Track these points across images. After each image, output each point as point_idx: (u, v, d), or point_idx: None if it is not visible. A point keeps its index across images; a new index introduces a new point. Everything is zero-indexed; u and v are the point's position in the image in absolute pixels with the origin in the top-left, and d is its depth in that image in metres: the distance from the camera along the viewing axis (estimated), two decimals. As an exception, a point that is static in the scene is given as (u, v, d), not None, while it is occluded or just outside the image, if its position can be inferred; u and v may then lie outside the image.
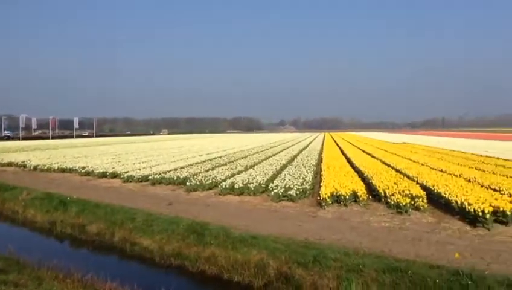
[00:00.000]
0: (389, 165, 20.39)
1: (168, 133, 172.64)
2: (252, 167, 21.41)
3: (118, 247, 10.96)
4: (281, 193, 13.51)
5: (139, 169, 21.41)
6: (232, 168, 20.67)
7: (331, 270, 7.19)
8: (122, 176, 19.75)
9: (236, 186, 14.91)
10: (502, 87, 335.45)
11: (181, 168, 21.80)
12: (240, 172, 19.34)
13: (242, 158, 27.74)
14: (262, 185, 15.21)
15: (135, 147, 46.29)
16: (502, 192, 12.08)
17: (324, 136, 78.35)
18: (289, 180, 15.38)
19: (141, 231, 10.94)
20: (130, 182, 18.79)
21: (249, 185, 14.94)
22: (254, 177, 16.34)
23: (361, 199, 12.35)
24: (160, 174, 18.98)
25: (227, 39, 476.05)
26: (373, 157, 25.83)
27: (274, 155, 29.60)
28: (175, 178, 17.72)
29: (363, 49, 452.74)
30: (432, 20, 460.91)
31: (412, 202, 11.41)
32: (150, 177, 18.45)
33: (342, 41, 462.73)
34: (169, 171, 19.92)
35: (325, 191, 12.46)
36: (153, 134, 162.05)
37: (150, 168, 21.38)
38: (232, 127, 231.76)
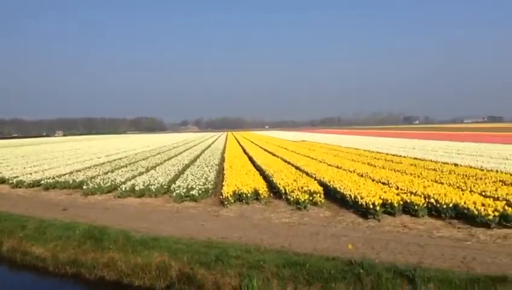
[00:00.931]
0: (289, 163, 21.04)
1: (64, 135, 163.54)
2: (153, 168, 21.00)
3: (6, 258, 10.16)
4: (183, 194, 13.38)
5: (30, 173, 20.05)
6: (132, 170, 20.10)
7: (233, 268, 7.27)
8: (10, 181, 18.40)
9: (137, 188, 14.52)
10: (392, 84, 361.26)
11: (77, 171, 20.78)
12: (141, 173, 18.88)
13: (143, 159, 27.10)
14: (164, 186, 14.98)
15: (25, 150, 43.25)
16: (390, 185, 12.99)
17: (227, 136, 78.93)
18: (192, 180, 15.29)
19: (33, 239, 10.24)
20: (20, 187, 17.57)
21: (150, 186, 14.62)
22: (156, 179, 16.03)
23: (262, 196, 12.62)
24: (54, 178, 17.94)
25: (129, 38, 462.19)
26: (274, 155, 26.49)
27: (176, 155, 29.26)
28: (71, 182, 16.85)
29: (265, 49, 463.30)
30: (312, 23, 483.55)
31: (311, 198, 11.89)
32: (42, 181, 17.34)
33: (245, 42, 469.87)
34: (64, 175, 18.90)
35: (227, 190, 12.57)
36: (46, 136, 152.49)
37: (43, 172, 20.11)
38: (134, 128, 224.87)
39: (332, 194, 12.90)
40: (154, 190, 14.34)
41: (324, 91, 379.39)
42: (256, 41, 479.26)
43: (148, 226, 10.24)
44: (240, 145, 41.62)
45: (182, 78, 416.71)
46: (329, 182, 13.73)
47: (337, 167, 18.57)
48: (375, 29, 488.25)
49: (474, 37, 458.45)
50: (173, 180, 16.33)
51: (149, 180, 15.69)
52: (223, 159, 24.94)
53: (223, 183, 14.15)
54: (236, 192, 12.67)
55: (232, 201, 12.36)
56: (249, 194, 12.57)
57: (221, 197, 12.61)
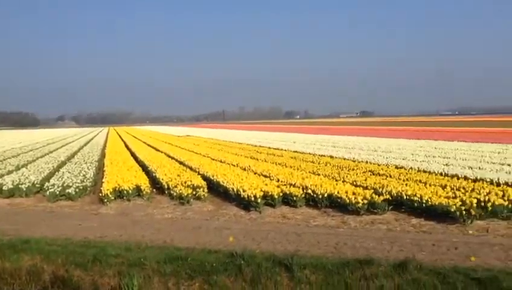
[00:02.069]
0: (172, 158, 20.82)
1: None
2: (24, 166, 19.46)
3: None
4: (58, 192, 12.58)
5: None
6: (0, 169, 18.44)
7: (112, 267, 6.99)
8: None
9: (5, 187, 13.37)
10: (274, 80, 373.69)
11: None
12: (9, 172, 17.39)
13: (13, 157, 24.99)
14: (37, 185, 13.96)
15: None
16: (271, 178, 13.44)
17: (109, 131, 75.82)
18: (68, 178, 14.45)
19: None
20: None
21: (20, 185, 13.53)
22: (27, 177, 14.88)
23: (144, 192, 12.33)
24: None
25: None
26: (158, 150, 26.04)
27: (51, 152, 27.46)
28: None
29: (142, 42, 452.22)
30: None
31: (194, 192, 11.87)
32: None
33: (127, 35, 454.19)
34: None
35: (107, 187, 12.08)
36: None
37: None
38: (0, 123, 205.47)
39: (215, 188, 13.02)
40: (25, 189, 13.31)
41: (209, 86, 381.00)
42: (131, 36, 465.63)
43: (18, 228, 9.47)
44: (122, 140, 40.26)
45: (57, 71, 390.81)
46: (213, 176, 13.83)
47: (221, 161, 18.77)
48: (257, 25, 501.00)
49: (345, 36, 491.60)
50: (47, 178, 15.27)
51: (19, 179, 14.51)
52: (103, 155, 23.92)
53: (103, 180, 13.57)
54: (117, 189, 12.23)
55: (112, 198, 11.91)
56: (130, 191, 12.20)
57: (100, 194, 12.08)
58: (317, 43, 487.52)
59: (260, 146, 28.41)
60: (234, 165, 17.09)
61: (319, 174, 13.98)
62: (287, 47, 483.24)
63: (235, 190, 11.39)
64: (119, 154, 23.34)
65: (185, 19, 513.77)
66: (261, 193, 10.64)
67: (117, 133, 65.04)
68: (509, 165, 14.59)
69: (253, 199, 10.41)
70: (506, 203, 8.96)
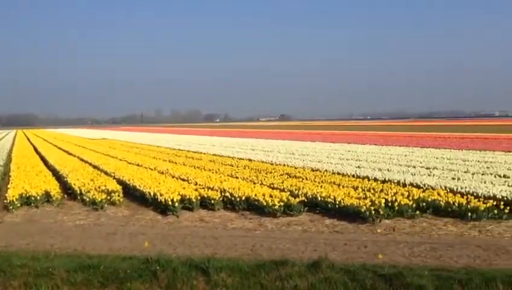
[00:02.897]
0: (86, 162, 20.01)
1: None
2: None
3: None
4: (-44, 200, 11.61)
5: None
6: None
7: (18, 278, 6.55)
8: None
9: None
10: (194, 83, 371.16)
11: None
12: None
13: None
14: None
15: None
16: (190, 181, 13.33)
17: (16, 134, 71.25)
18: (-32, 184, 13.37)
19: None
20: None
21: None
22: None
23: (55, 198, 11.71)
24: None
25: None
26: (70, 154, 24.90)
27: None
28: None
29: (55, 43, 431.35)
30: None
31: (108, 197, 11.46)
32: None
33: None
34: None
35: (12, 193, 11.33)
36: None
37: None
38: None
39: (132, 193, 12.68)
40: None
41: (126, 87, 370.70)
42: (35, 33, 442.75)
43: None
44: (32, 144, 38.02)
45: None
46: (129, 180, 13.46)
47: (138, 165, 18.31)
48: (163, 29, 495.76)
49: (265, 38, 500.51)
50: None
51: None
52: (9, 160, 22.43)
53: (8, 186, 12.70)
54: (24, 195, 11.51)
55: (19, 205, 11.19)
56: (38, 197, 11.53)
57: (5, 201, 11.30)
58: (239, 45, 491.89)
59: (179, 149, 28.07)
60: (152, 169, 16.74)
61: (237, 177, 14.06)
62: (205, 48, 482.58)
63: (151, 194, 11.15)
64: (28, 158, 22.03)
65: (95, 18, 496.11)
66: (179, 197, 10.50)
67: (26, 136, 61.33)
68: (414, 167, 15.55)
69: (170, 203, 10.24)
70: (411, 202, 9.53)
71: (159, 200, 10.61)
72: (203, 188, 11.89)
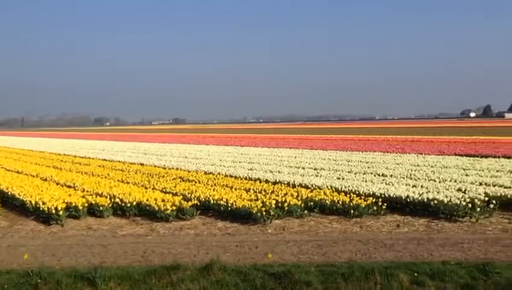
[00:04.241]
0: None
1: None
2: None
3: None
4: None
5: None
6: None
7: None
8: None
9: None
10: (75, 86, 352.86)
11: None
12: None
13: None
14: None
15: None
16: (76, 188, 12.66)
17: None
18: None
19: None
20: None
21: None
22: None
23: None
24: None
25: None
26: None
27: None
28: None
29: None
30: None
31: (-18, 208, 10.49)
32: None
33: None
34: None
35: None
36: None
37: None
38: None
39: (10, 202, 11.75)
40: None
41: (4, 90, 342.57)
42: None
43: None
44: None
45: None
46: (7, 188, 12.46)
47: (18, 172, 17.02)
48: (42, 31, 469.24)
49: (155, 41, 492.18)
50: None
51: None
52: None
53: None
54: None
55: None
56: None
57: None
58: (129, 46, 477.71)
59: (65, 154, 26.53)
60: (33, 176, 15.64)
61: (128, 183, 13.63)
62: (91, 50, 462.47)
63: (33, 202, 10.39)
64: None
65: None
66: (64, 205, 9.92)
67: None
68: (303, 168, 16.23)
69: (54, 211, 9.63)
70: (299, 202, 9.93)
71: (41, 209, 9.91)
72: (91, 194, 11.35)
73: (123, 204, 10.37)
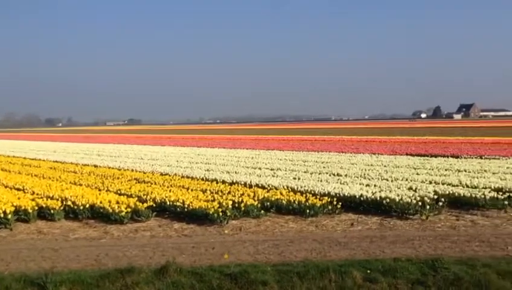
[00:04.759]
0: None
1: None
2: None
3: None
4: None
5: None
6: None
7: None
8: None
9: None
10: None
11: None
12: None
13: None
14: None
15: None
16: (26, 191, 12.26)
17: None
18: None
19: None
20: None
21: None
22: None
23: None
24: None
25: None
26: None
27: None
28: None
29: None
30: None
31: None
32: None
33: None
34: None
35: None
36: None
37: None
38: None
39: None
40: None
41: None
42: None
43: None
44: None
45: None
46: (-49, 192, 11.86)
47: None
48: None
49: (108, 42, 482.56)
50: None
51: None
52: None
53: None
54: None
55: None
56: None
57: None
58: (79, 46, 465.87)
59: (14, 156, 25.59)
60: (-21, 179, 14.98)
61: (81, 185, 13.32)
62: (43, 47, 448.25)
63: (-21, 206, 9.95)
64: None
65: None
66: (12, 208, 9.57)
67: None
68: (260, 168, 16.31)
69: (2, 215, 9.26)
70: (256, 203, 9.98)
71: (-13, 213, 9.51)
72: (41, 197, 11.00)
73: (75, 207, 10.10)
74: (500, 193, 9.97)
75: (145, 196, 10.82)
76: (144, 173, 15.97)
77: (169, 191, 11.42)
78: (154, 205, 10.20)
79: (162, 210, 10.24)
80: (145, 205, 9.97)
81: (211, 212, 9.17)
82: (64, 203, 10.32)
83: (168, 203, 10.20)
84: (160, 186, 12.63)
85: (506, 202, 9.70)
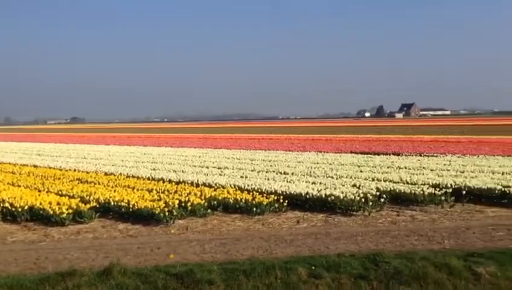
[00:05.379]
0: None
1: None
2: None
3: None
4: None
5: None
6: None
7: None
8: None
9: None
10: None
11: None
12: None
13: None
14: None
15: None
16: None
17: None
18: None
19: None
20: None
21: None
22: None
23: None
24: None
25: None
26: None
27: None
28: None
29: None
30: None
31: None
32: None
33: None
34: None
35: None
36: None
37: None
38: None
39: None
40: None
41: None
42: None
43: None
44: None
45: None
46: None
47: None
48: None
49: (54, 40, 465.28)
50: None
51: None
52: None
53: None
54: None
55: None
56: None
57: None
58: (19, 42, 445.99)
59: None
60: None
61: (19, 186, 12.76)
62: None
63: None
64: None
65: None
66: None
67: None
68: (207, 167, 16.24)
69: None
70: (203, 202, 9.92)
71: None
72: (-25, 199, 10.44)
73: (13, 209, 9.66)
74: (438, 189, 10.42)
75: (88, 197, 10.51)
76: (87, 173, 15.52)
77: (114, 191, 11.16)
78: (97, 206, 9.93)
79: (106, 211, 9.98)
80: (88, 205, 9.68)
81: (157, 212, 9.04)
82: (2, 205, 9.85)
83: (112, 203, 9.96)
84: (105, 186, 12.32)
85: (443, 198, 10.13)
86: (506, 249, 6.86)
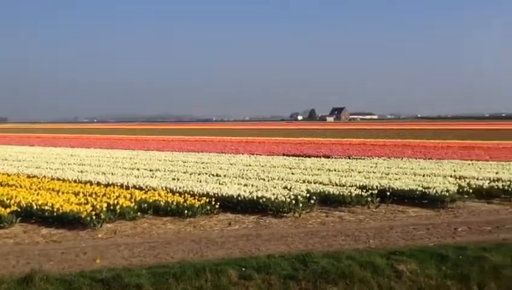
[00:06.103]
0: None
1: None
2: None
3: None
4: None
5: None
6: None
7: None
8: None
9: None
10: None
11: None
12: None
13: None
14: None
15: None
16: None
17: None
18: None
19: None
20: None
21: None
22: None
23: None
24: None
25: None
26: None
27: None
28: None
29: None
30: None
31: None
32: None
33: None
34: None
35: None
36: None
37: None
38: None
39: None
40: None
41: None
42: None
43: None
44: None
45: None
46: None
47: None
48: None
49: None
50: None
51: None
52: None
53: None
54: None
55: None
56: None
57: None
58: None
59: None
60: None
61: None
62: None
63: None
64: None
65: None
66: None
67: None
68: (138, 169, 15.86)
69: None
70: (132, 204, 9.68)
71: None
72: None
73: None
74: (364, 191, 10.81)
75: (8, 200, 9.91)
76: (8, 175, 14.66)
77: (37, 194, 10.63)
78: (19, 210, 9.42)
79: (29, 215, 9.48)
80: (9, 210, 9.16)
81: (83, 216, 8.72)
82: None
83: (35, 207, 9.46)
84: (27, 189, 11.70)
85: (369, 199, 10.53)
86: (425, 247, 7.25)
